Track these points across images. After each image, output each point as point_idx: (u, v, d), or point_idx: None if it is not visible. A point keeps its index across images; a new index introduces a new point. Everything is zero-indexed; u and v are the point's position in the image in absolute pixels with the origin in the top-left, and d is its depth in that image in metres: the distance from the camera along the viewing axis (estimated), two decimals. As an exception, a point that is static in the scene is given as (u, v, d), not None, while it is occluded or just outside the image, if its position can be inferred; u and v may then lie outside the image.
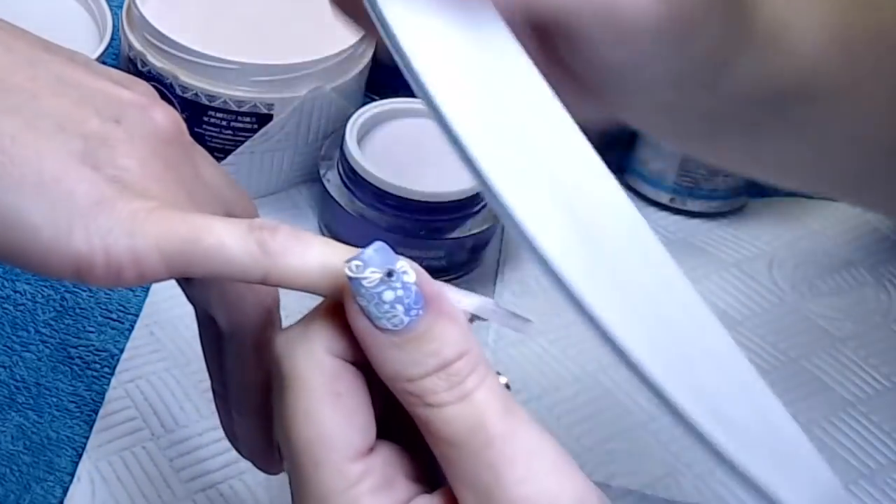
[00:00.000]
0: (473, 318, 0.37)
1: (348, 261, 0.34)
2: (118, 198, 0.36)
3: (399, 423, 0.37)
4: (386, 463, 0.37)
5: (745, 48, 0.46)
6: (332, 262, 0.36)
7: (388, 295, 0.34)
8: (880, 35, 0.51)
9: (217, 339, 0.44)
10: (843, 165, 0.54)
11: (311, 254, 0.36)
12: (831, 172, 0.55)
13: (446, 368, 0.35)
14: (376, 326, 0.35)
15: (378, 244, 0.35)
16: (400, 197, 0.66)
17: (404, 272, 0.34)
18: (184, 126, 0.42)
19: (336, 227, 0.69)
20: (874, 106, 0.52)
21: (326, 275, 0.36)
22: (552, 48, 0.43)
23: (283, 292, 0.39)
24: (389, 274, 0.34)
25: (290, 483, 0.37)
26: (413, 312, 0.34)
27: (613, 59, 0.42)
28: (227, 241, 0.36)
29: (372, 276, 0.34)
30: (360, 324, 0.35)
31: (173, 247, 0.36)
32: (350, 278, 0.34)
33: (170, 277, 0.37)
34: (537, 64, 0.41)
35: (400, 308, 0.34)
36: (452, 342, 0.35)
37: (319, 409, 0.36)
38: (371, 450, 0.36)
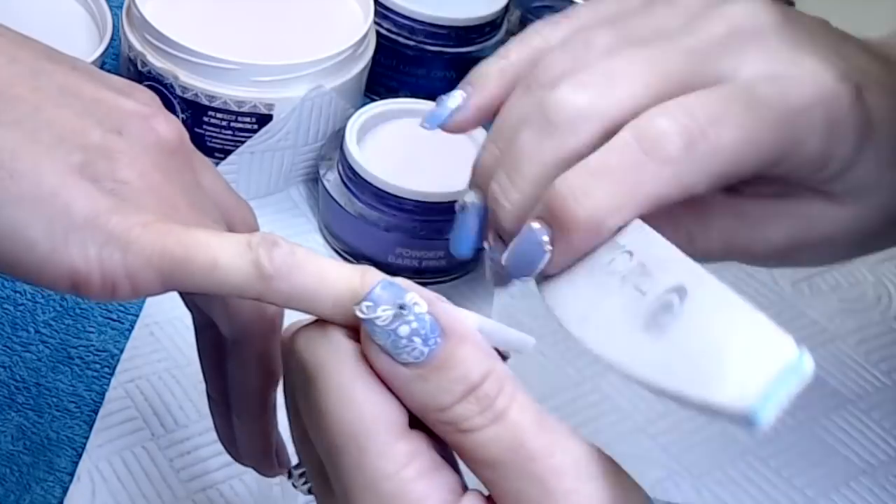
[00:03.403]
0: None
1: (358, 303, 0.34)
2: (115, 211, 0.37)
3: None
4: (431, 445, 0.36)
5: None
6: (326, 287, 0.36)
7: (404, 329, 0.34)
8: None
9: (215, 346, 0.44)
10: None
11: (306, 278, 0.36)
12: None
13: (475, 392, 0.34)
14: (398, 362, 0.34)
15: (384, 281, 0.34)
16: (400, 197, 0.66)
17: (415, 303, 0.34)
18: (186, 135, 0.42)
19: (336, 227, 0.69)
20: None
21: (320, 300, 0.36)
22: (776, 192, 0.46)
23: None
24: (402, 307, 0.34)
25: (323, 479, 0.37)
26: (432, 342, 0.34)
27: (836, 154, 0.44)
28: (222, 260, 0.36)
29: (384, 314, 0.34)
30: (381, 362, 0.35)
31: (167, 264, 0.36)
32: (363, 320, 0.34)
33: (166, 292, 0.37)
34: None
35: (417, 340, 0.34)
36: (476, 364, 0.35)
37: (353, 389, 0.35)
38: (411, 429, 0.36)
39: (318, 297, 0.36)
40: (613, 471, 0.36)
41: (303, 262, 0.36)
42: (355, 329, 0.36)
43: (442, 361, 0.34)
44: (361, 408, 0.35)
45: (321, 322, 0.36)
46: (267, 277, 0.35)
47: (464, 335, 0.35)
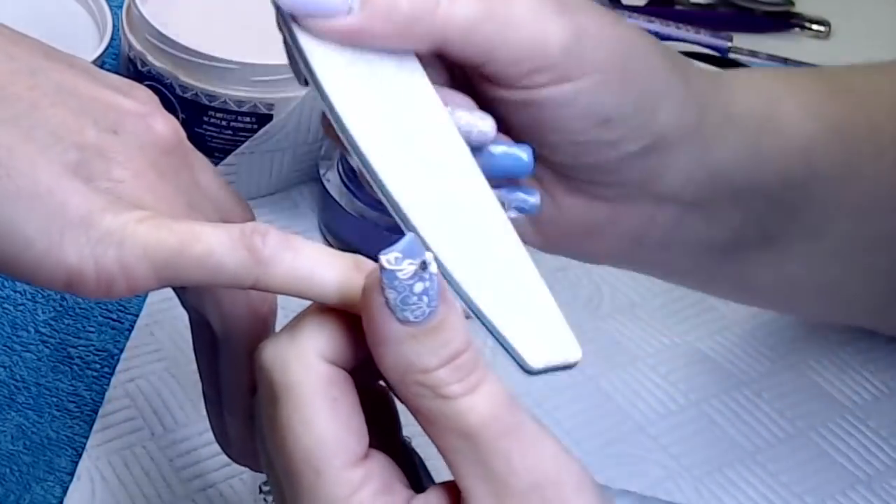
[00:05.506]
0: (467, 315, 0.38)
1: (385, 252, 0.34)
2: (108, 209, 0.37)
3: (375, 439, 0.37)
4: (383, 467, 0.37)
5: (724, 131, 0.48)
6: (322, 269, 0.36)
7: (419, 287, 0.34)
8: (876, 129, 0.53)
9: (211, 344, 0.44)
10: (839, 280, 0.56)
11: (301, 260, 0.36)
12: (827, 292, 0.57)
13: (455, 360, 0.35)
14: (397, 319, 0.35)
15: (410, 236, 0.35)
16: (400, 198, 0.66)
17: (431, 264, 0.35)
18: (183, 133, 0.42)
19: (336, 227, 0.69)
20: (876, 198, 0.53)
21: (316, 281, 0.36)
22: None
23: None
24: (424, 265, 0.34)
25: (282, 494, 0.37)
26: (434, 304, 0.35)
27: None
28: (217, 248, 0.36)
29: (408, 267, 0.34)
30: (381, 317, 0.35)
31: (162, 256, 0.36)
32: (385, 270, 0.34)
33: (161, 287, 0.37)
34: None
35: (425, 300, 0.34)
36: (461, 333, 0.35)
37: (317, 415, 0.36)
38: (367, 455, 0.36)
39: (313, 280, 0.36)
40: (566, 451, 0.37)
41: (297, 246, 0.36)
42: (331, 343, 0.36)
43: (437, 324, 0.35)
44: (322, 434, 0.35)
45: (293, 336, 0.37)
46: (262, 262, 0.36)
47: (453, 304, 0.36)
